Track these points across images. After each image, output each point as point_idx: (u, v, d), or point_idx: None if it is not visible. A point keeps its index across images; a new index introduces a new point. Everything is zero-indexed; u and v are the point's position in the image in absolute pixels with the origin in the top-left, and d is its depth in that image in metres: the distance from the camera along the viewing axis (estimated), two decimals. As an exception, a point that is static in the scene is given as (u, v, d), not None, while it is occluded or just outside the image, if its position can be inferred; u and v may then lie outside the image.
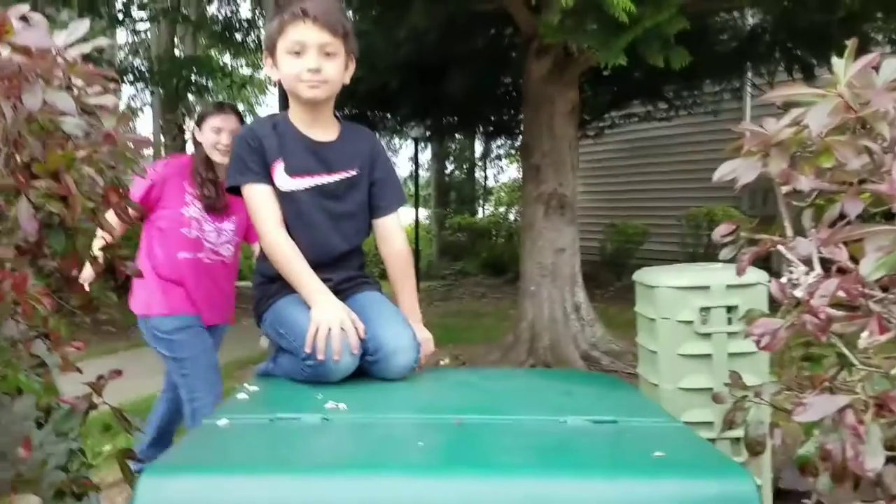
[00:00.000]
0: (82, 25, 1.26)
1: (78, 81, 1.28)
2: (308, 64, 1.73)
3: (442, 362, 5.79)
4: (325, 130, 1.85)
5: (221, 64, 14.47)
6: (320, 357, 1.57)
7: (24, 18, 1.21)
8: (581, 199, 9.30)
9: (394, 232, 1.92)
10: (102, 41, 1.59)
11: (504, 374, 2.01)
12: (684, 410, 2.73)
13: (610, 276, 10.41)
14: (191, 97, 11.91)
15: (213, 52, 14.76)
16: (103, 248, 1.47)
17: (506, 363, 5.37)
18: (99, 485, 1.63)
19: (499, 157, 19.58)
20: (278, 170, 1.78)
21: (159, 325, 2.78)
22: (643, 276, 2.97)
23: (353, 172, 1.85)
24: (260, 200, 1.77)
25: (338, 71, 1.78)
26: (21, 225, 1.08)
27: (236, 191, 1.82)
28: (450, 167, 20.08)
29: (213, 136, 2.78)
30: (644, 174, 10.95)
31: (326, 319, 1.61)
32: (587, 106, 8.64)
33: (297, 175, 1.79)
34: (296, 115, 1.84)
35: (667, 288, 2.78)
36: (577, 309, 5.63)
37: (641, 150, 10.94)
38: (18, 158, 1.16)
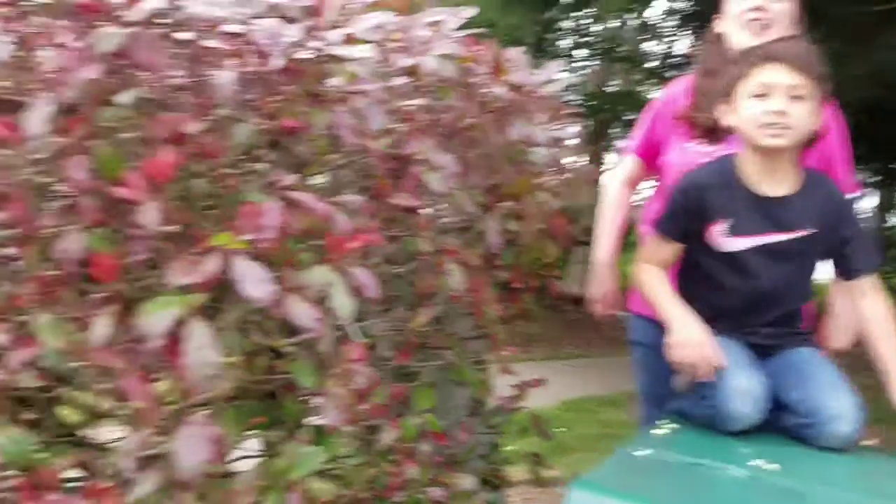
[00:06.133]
0: (555, 66, 1.41)
1: (543, 115, 1.43)
2: (772, 106, 1.60)
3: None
4: (780, 183, 1.69)
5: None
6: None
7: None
8: None
9: (869, 293, 1.71)
10: (561, 80, 1.75)
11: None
12: None
13: None
14: (612, 131, 12.34)
15: (643, 88, 15.08)
16: (540, 268, 1.62)
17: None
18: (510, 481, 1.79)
19: (961, 214, 16.54)
20: (717, 230, 1.68)
21: None
22: None
23: (809, 231, 1.68)
24: (654, 248, 1.77)
25: (806, 116, 1.61)
26: (489, 239, 1.24)
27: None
28: (892, 220, 17.53)
29: None
30: None
31: (684, 343, 1.59)
32: None
33: (739, 235, 1.68)
34: (747, 163, 1.70)
35: None
36: None
37: None
38: (491, 181, 1.34)
